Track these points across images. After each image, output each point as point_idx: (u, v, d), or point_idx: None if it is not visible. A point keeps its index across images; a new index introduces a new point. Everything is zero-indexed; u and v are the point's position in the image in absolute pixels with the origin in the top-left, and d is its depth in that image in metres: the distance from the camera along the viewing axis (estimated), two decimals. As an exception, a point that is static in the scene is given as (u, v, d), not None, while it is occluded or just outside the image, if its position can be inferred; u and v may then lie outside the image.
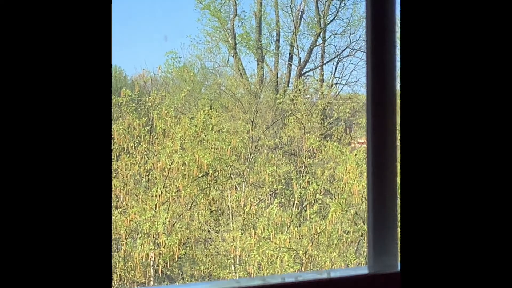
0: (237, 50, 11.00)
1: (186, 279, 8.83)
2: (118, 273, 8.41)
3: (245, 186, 9.14)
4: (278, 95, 10.44)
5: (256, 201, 9.12)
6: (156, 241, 8.39)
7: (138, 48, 11.87)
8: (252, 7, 11.21)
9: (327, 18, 11.21)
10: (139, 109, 9.28)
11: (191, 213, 9.02)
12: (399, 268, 1.93)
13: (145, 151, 9.06)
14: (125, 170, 8.92)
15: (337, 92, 11.17)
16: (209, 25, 11.00)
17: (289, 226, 8.73)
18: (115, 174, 8.82)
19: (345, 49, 11.17)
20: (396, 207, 1.98)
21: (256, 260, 8.34)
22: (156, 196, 8.62)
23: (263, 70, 11.03)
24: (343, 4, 11.09)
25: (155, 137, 9.19)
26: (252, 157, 9.43)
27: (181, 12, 12.09)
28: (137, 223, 8.53)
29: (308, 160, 9.53)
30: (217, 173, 9.07)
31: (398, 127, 1.84)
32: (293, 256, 8.39)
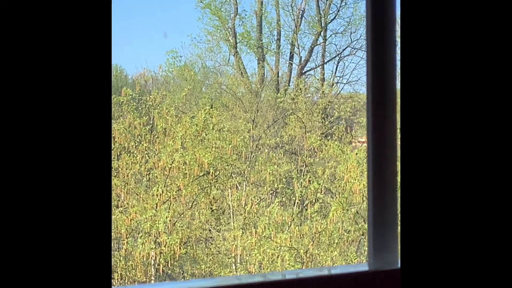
0: (238, 49, 11.00)
1: (187, 278, 8.84)
2: (119, 272, 8.42)
3: (246, 185, 9.15)
4: (279, 94, 10.44)
5: (257, 200, 9.12)
6: (157, 240, 8.40)
7: (139, 47, 11.87)
8: (253, 6, 11.22)
9: (328, 17, 11.21)
10: (140, 108, 9.28)
11: (192, 212, 9.02)
12: (399, 265, 1.94)
13: (146, 150, 9.06)
14: (126, 169, 8.92)
15: (338, 91, 11.17)
16: (209, 24, 11.00)
17: (290, 225, 8.73)
18: (116, 173, 8.82)
19: (346, 48, 11.17)
20: (396, 204, 1.98)
21: (257, 259, 8.34)
22: (157, 195, 8.62)
23: (264, 69, 11.03)
24: (344, 3, 11.09)
25: (156, 136, 9.20)
26: (253, 156, 9.43)
27: (182, 11, 12.09)
28: (138, 222, 8.53)
29: (309, 159, 9.53)
30: (218, 172, 9.07)
31: (398, 125, 1.84)
32: (294, 255, 8.39)
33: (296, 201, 9.05)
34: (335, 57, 11.18)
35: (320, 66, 11.21)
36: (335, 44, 11.26)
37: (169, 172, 8.82)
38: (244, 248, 8.51)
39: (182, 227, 8.69)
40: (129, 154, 9.03)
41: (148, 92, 9.71)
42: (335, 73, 11.18)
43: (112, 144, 8.83)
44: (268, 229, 8.45)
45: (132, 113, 9.11)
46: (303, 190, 9.02)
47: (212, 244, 9.09)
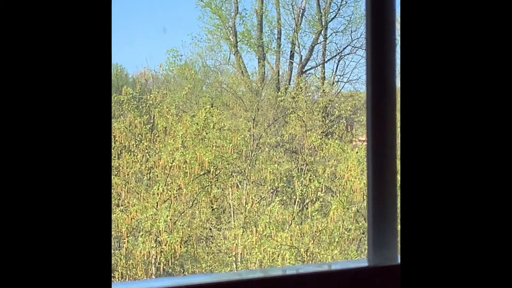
0: (238, 48, 11.00)
1: (188, 277, 8.84)
2: (119, 271, 8.42)
3: (246, 184, 9.15)
4: (279, 93, 10.44)
5: (258, 199, 9.13)
6: (158, 239, 8.40)
7: (139, 46, 11.87)
8: (253, 5, 11.21)
9: (328, 16, 11.21)
10: (140, 107, 9.29)
11: (193, 211, 9.02)
12: (398, 260, 1.94)
13: (146, 149, 9.06)
14: (127, 168, 8.92)
15: (339, 90, 11.18)
16: (210, 23, 11.00)
17: (291, 223, 8.73)
18: (116, 172, 8.82)
19: (347, 46, 11.18)
20: (396, 200, 1.98)
21: (258, 257, 8.35)
22: (157, 194, 8.62)
23: (264, 68, 11.03)
24: (344, 2, 11.09)
25: (157, 135, 9.20)
26: (254, 155, 9.43)
27: (182, 10, 12.09)
28: (138, 221, 8.54)
29: (310, 158, 9.53)
30: (218, 171, 9.07)
31: (398, 124, 1.84)
32: (294, 253, 8.40)
33: (297, 199, 9.06)
34: (335, 55, 11.19)
35: (320, 65, 11.21)
36: (335, 43, 11.27)
37: (170, 171, 8.83)
38: (245, 246, 8.51)
39: (182, 226, 8.69)
40: (129, 153, 9.03)
41: (149, 91, 9.71)
42: (336, 71, 11.19)
43: (113, 143, 8.84)
44: (269, 227, 8.46)
45: (132, 112, 9.11)
46: (303, 189, 9.03)
47: (212, 242, 9.09)
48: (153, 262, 8.48)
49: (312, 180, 9.09)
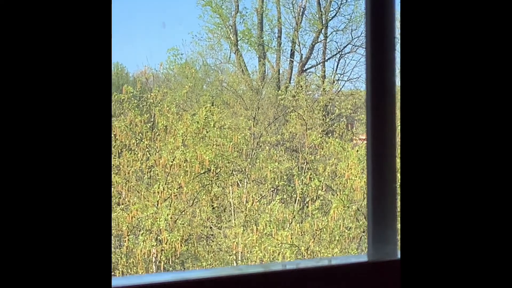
0: (238, 47, 11.00)
1: (188, 275, 8.83)
2: (120, 269, 8.43)
3: (247, 182, 9.15)
4: (279, 91, 10.45)
5: (258, 197, 9.13)
6: (158, 237, 8.41)
7: (140, 45, 11.88)
8: (254, 3, 11.22)
9: (329, 15, 11.22)
10: (141, 105, 9.29)
11: (193, 210, 9.03)
12: (398, 256, 1.95)
13: (147, 147, 9.07)
14: (127, 166, 8.93)
15: (339, 89, 11.18)
16: (210, 21, 11.01)
17: (291, 222, 8.74)
18: (117, 171, 8.83)
19: (347, 45, 11.19)
20: (396, 196, 1.99)
21: (258, 256, 8.35)
22: (158, 192, 8.63)
23: (264, 67, 11.04)
24: (344, 0, 11.09)
25: (157, 133, 9.21)
26: (254, 153, 9.44)
27: (183, 9, 12.09)
28: (139, 219, 8.55)
29: (310, 156, 9.53)
30: (219, 170, 9.08)
31: (398, 123, 1.85)
32: (295, 252, 8.40)
33: (297, 198, 9.06)
34: (336, 54, 11.19)
35: (321, 64, 11.22)
36: (336, 42, 11.28)
37: (170, 169, 8.83)
38: (245, 245, 8.52)
39: (183, 224, 8.70)
40: (130, 152, 9.04)
41: (149, 90, 9.72)
42: (336, 70, 11.19)
43: (113, 142, 8.85)
44: (269, 226, 8.46)
45: (133, 111, 9.12)
46: (304, 187, 9.03)
47: (213, 241, 9.10)
48: (153, 261, 8.49)
49: (312, 179, 9.09)
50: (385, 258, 1.96)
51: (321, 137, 9.66)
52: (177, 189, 8.77)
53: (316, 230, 8.66)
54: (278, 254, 8.33)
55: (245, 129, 9.62)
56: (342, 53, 11.18)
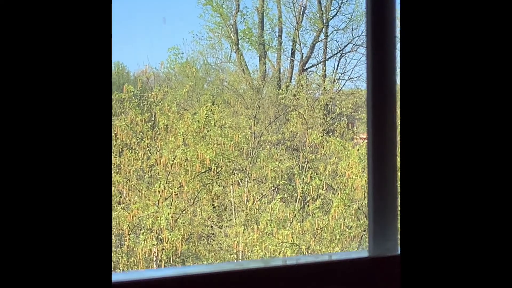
0: (239, 46, 11.00)
1: (189, 274, 8.83)
2: (121, 268, 8.43)
3: (247, 181, 9.16)
4: (280, 90, 10.45)
5: (259, 196, 9.13)
6: (159, 236, 8.41)
7: (141, 44, 11.88)
8: (254, 2, 11.22)
9: (329, 14, 11.21)
10: (141, 104, 9.29)
11: (194, 209, 9.03)
12: (398, 251, 1.95)
13: (147, 146, 9.07)
14: (128, 165, 8.93)
15: (340, 88, 11.18)
16: (211, 21, 11.01)
17: (292, 221, 8.74)
18: (118, 170, 8.83)
19: (348, 44, 11.18)
20: (396, 195, 1.99)
21: (259, 255, 8.35)
22: (158, 191, 8.64)
23: (265, 66, 11.04)
24: (345, 0, 11.09)
25: (158, 132, 9.21)
26: (255, 152, 9.44)
27: (183, 8, 12.09)
28: (140, 218, 8.55)
29: (311, 155, 9.53)
30: (219, 169, 9.08)
31: (399, 121, 1.85)
32: (295, 251, 8.41)
33: (298, 197, 9.07)
34: (336, 53, 11.19)
35: (321, 63, 11.22)
36: (336, 41, 11.28)
37: (171, 168, 8.84)
38: (246, 244, 8.52)
39: (184, 223, 8.70)
40: (131, 151, 9.04)
41: (150, 89, 9.72)
42: (337, 69, 11.19)
43: (114, 141, 8.85)
44: (270, 225, 8.47)
45: (134, 110, 9.12)
46: (304, 187, 9.03)
47: (214, 240, 9.10)
48: (154, 260, 8.49)
49: (313, 178, 9.10)
50: (386, 253, 1.97)
51: (321, 136, 9.66)
52: (177, 188, 8.77)
53: (316, 229, 8.67)
54: (279, 253, 8.34)
55: (246, 128, 9.62)
56: (343, 52, 11.18)
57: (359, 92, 10.70)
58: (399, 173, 1.96)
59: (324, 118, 10.09)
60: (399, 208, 1.96)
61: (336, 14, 11.16)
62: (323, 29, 11.17)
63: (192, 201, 8.98)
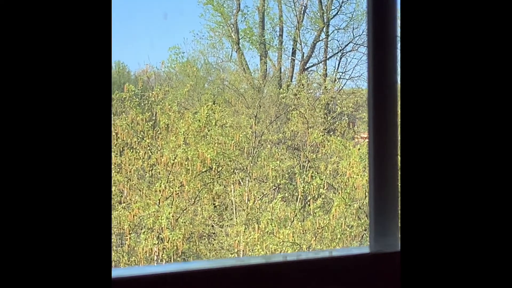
0: (240, 45, 11.00)
1: (190, 273, 8.83)
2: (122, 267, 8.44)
3: (248, 180, 9.16)
4: (281, 90, 10.45)
5: (260, 195, 9.14)
6: (160, 236, 8.42)
7: (141, 44, 11.89)
8: (255, 2, 11.22)
9: (330, 13, 11.21)
10: (142, 104, 9.30)
11: (195, 208, 9.04)
12: (399, 247, 1.95)
13: (148, 146, 9.07)
14: (129, 165, 8.94)
15: (341, 87, 11.18)
16: (212, 20, 11.01)
17: (293, 220, 8.75)
18: (118, 169, 8.84)
19: (348, 43, 11.18)
20: (397, 193, 2.00)
21: (260, 254, 8.36)
22: (159, 191, 8.64)
23: (266, 65, 11.04)
24: (346, -1, 11.09)
25: (159, 132, 9.21)
26: (256, 151, 9.45)
27: (184, 7, 12.10)
28: (140, 218, 8.55)
29: (312, 154, 9.54)
30: (220, 168, 9.08)
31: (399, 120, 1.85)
32: (296, 250, 8.41)
33: (299, 196, 9.07)
34: (337, 53, 11.19)
35: (322, 62, 11.21)
36: (337, 40, 11.29)
37: (172, 168, 8.84)
38: (247, 243, 8.52)
39: (185, 222, 8.71)
40: (131, 150, 9.04)
41: (151, 88, 9.72)
42: (338, 68, 11.19)
43: (115, 140, 8.85)
44: (271, 224, 8.47)
45: (134, 109, 9.13)
46: (305, 186, 9.04)
47: (215, 239, 9.11)
48: (155, 259, 8.49)
49: (314, 177, 9.10)
50: (386, 249, 1.97)
51: (322, 136, 9.66)
52: (178, 188, 8.78)
53: (317, 228, 8.67)
54: (280, 252, 8.34)
55: (247, 128, 9.63)
56: (344, 51, 11.18)
57: (360, 91, 10.70)
58: (399, 172, 1.97)
59: (325, 118, 10.10)
60: (400, 207, 1.97)
61: (337, 13, 11.17)
62: (324, 28, 11.17)
63: (193, 200, 8.99)
